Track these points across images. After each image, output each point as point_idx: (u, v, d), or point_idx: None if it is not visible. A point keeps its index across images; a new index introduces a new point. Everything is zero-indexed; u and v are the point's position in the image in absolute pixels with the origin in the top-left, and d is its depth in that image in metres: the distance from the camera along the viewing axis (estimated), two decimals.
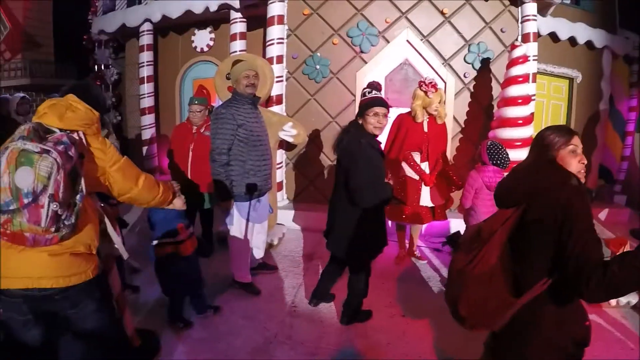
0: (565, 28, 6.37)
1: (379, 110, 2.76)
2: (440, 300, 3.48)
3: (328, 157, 5.48)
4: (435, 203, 4.11)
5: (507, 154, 3.51)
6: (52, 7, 11.01)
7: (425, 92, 3.96)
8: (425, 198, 4.08)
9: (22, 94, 5.33)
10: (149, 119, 6.99)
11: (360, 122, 2.84)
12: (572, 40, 6.53)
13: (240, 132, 3.24)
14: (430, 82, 3.95)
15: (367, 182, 2.68)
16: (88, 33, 8.61)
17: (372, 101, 2.80)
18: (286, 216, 5.31)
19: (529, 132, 4.92)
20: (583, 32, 6.53)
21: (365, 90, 2.90)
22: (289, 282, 3.84)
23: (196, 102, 4.26)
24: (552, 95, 6.81)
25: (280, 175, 5.43)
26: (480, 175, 3.50)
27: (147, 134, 6.99)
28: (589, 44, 6.68)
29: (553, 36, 6.36)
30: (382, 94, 2.93)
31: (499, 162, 3.46)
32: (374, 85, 2.92)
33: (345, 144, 2.82)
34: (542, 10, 5.69)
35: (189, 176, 4.20)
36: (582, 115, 6.94)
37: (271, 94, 5.21)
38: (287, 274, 4.03)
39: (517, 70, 4.90)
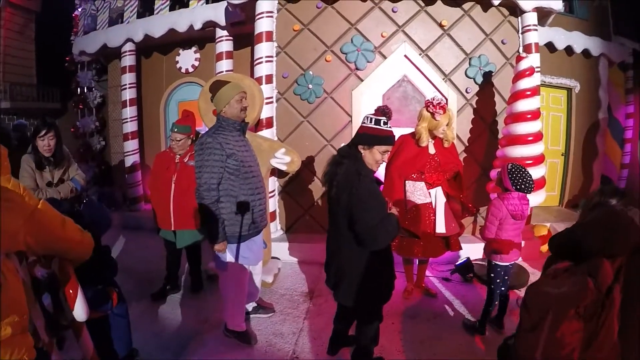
0: (561, 37, 6.24)
1: (390, 148, 2.43)
2: (454, 340, 3.13)
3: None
4: (451, 232, 3.64)
5: (531, 177, 3.08)
6: (34, 27, 10.46)
7: (432, 114, 3.48)
8: (440, 225, 3.59)
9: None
10: (132, 145, 6.56)
11: (361, 151, 2.38)
12: (569, 50, 6.38)
13: (229, 164, 2.77)
14: (439, 103, 3.47)
15: (377, 220, 2.26)
16: (70, 54, 8.07)
17: (388, 137, 2.38)
18: (281, 249, 4.78)
19: (540, 149, 4.54)
20: (579, 41, 6.41)
21: (380, 119, 2.39)
22: (289, 327, 3.36)
23: (176, 129, 3.72)
24: (551, 107, 6.60)
25: (272, 204, 4.93)
26: (504, 203, 3.06)
27: (130, 161, 6.55)
28: (585, 53, 6.54)
29: (550, 46, 6.19)
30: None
31: (523, 187, 3.03)
32: (387, 114, 2.49)
33: (341, 177, 2.34)
34: (541, 20, 5.33)
35: (172, 210, 3.71)
36: (581, 125, 6.72)
37: (261, 117, 4.71)
38: (285, 317, 3.54)
39: (524, 84, 4.52)
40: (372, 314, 2.61)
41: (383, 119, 2.39)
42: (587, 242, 1.55)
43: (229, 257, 2.94)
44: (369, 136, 2.37)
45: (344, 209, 2.31)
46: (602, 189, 1.97)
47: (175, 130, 3.71)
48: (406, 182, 3.60)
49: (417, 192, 3.59)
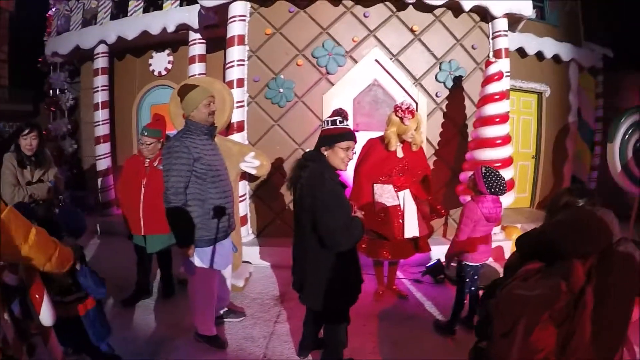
0: (532, 43, 6.34)
1: (352, 144, 2.42)
2: (426, 340, 3.16)
3: None
4: (421, 233, 3.65)
5: (504, 179, 3.11)
6: (7, 27, 10.21)
7: (401, 119, 3.49)
8: (409, 229, 3.61)
9: None
10: (103, 148, 6.40)
11: (324, 153, 2.41)
12: (540, 55, 6.48)
13: (197, 167, 2.76)
14: (407, 108, 3.48)
15: (340, 223, 2.25)
16: (43, 55, 7.88)
17: (346, 133, 2.41)
18: (252, 253, 4.72)
19: (508, 151, 4.60)
20: (550, 47, 6.52)
21: (335, 119, 2.44)
22: (260, 331, 3.35)
23: (146, 133, 3.67)
24: (521, 111, 6.70)
25: (243, 208, 4.87)
26: (479, 206, 3.09)
27: (102, 165, 6.40)
28: (555, 58, 6.65)
29: (521, 51, 6.28)
30: (350, 119, 2.59)
31: (497, 189, 3.05)
32: (342, 114, 2.48)
33: (305, 180, 2.35)
34: (512, 26, 5.40)
35: (142, 215, 3.65)
36: (551, 129, 6.84)
37: (231, 121, 4.65)
38: (256, 320, 3.52)
39: (493, 88, 4.56)
40: (339, 317, 2.60)
41: (338, 118, 2.43)
42: (559, 243, 1.52)
43: (197, 261, 2.91)
44: (327, 136, 2.41)
45: (308, 212, 2.32)
46: (570, 189, 1.94)
47: (146, 134, 3.65)
48: (374, 184, 3.60)
49: (386, 194, 3.60)
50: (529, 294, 1.49)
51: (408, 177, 3.61)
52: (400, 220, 3.59)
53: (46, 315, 1.86)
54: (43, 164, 3.65)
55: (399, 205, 3.59)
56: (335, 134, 2.39)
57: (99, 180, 6.38)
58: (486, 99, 4.56)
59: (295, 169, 2.44)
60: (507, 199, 4.56)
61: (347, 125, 2.44)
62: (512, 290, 1.57)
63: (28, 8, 9.60)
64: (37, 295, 1.83)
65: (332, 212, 2.24)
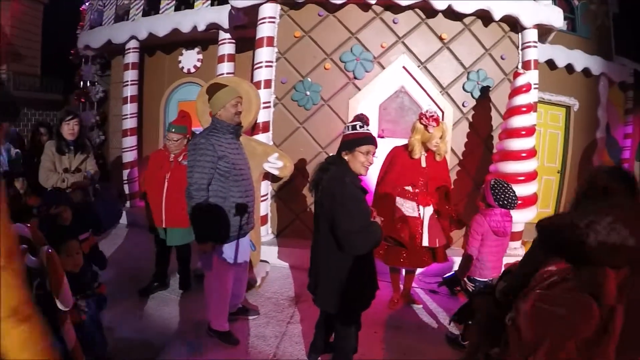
0: (562, 55, 6.20)
1: (372, 148, 2.44)
2: (436, 352, 3.09)
3: None
4: (440, 244, 3.63)
5: (514, 193, 3.03)
6: (42, 18, 10.47)
7: (426, 126, 3.47)
8: (428, 238, 3.59)
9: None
10: (130, 141, 6.51)
11: (345, 158, 2.45)
12: (569, 68, 6.34)
13: (220, 165, 2.81)
14: (432, 115, 3.46)
15: (358, 226, 2.27)
16: (75, 48, 8.08)
17: (366, 138, 2.43)
18: (270, 253, 4.74)
19: (533, 165, 4.51)
20: (580, 60, 6.37)
21: (355, 124, 2.48)
22: (272, 330, 3.34)
23: (173, 130, 3.76)
24: (549, 124, 6.55)
25: (264, 208, 4.88)
26: (486, 219, 3.02)
27: (128, 157, 6.51)
28: (585, 72, 6.50)
29: (550, 63, 6.14)
30: (376, 125, 2.53)
31: (506, 202, 2.98)
32: (363, 119, 2.51)
33: (326, 183, 2.38)
34: (542, 37, 5.30)
35: (163, 208, 3.72)
36: (578, 144, 6.68)
37: (257, 121, 4.69)
38: (269, 320, 3.52)
39: (520, 100, 4.48)
40: (350, 321, 2.60)
41: (358, 123, 2.46)
42: (594, 248, 1.22)
43: (214, 258, 2.95)
44: (348, 141, 2.45)
45: (327, 213, 2.35)
46: (609, 170, 1.61)
47: (173, 130, 3.75)
48: (397, 197, 3.59)
49: (407, 205, 3.59)
50: (555, 312, 1.28)
51: (429, 197, 3.58)
52: (420, 229, 3.57)
53: (64, 299, 1.90)
54: (83, 151, 3.80)
55: (419, 215, 3.58)
56: (356, 139, 2.42)
57: (125, 172, 6.48)
58: (513, 111, 4.49)
59: (318, 171, 2.47)
60: (529, 214, 4.49)
61: (367, 130, 2.47)
62: (535, 303, 1.34)
63: (62, 0, 9.82)
64: (56, 279, 1.87)
65: (350, 214, 2.27)
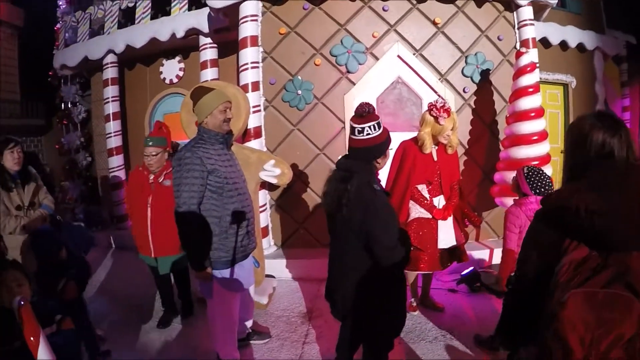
0: (556, 32, 5.99)
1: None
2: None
3: (317, 194, 4.62)
4: (458, 242, 3.38)
5: (550, 178, 2.90)
6: (17, 41, 10.06)
7: (436, 118, 3.12)
8: (444, 239, 3.31)
9: None
10: (117, 161, 6.19)
11: (374, 164, 2.14)
12: (564, 45, 6.11)
13: (211, 181, 2.43)
14: (442, 106, 3.11)
15: (396, 239, 2.02)
16: (53, 69, 7.68)
17: (388, 140, 2.15)
18: (275, 266, 4.38)
19: (545, 148, 4.21)
20: (574, 35, 6.16)
21: (371, 125, 2.06)
22: (287, 354, 3.02)
23: (150, 143, 3.30)
24: (548, 104, 6.23)
25: (264, 219, 4.55)
26: (522, 209, 2.87)
27: (115, 177, 6.11)
28: (580, 47, 6.27)
29: (544, 41, 5.89)
30: None
31: (543, 189, 2.86)
32: (372, 111, 2.12)
33: (354, 195, 2.00)
34: (536, 15, 5.03)
35: (150, 236, 3.33)
36: None
37: (248, 127, 4.34)
38: (283, 342, 3.19)
39: (526, 80, 4.18)
40: (385, 345, 2.30)
41: (373, 123, 2.07)
42: (606, 232, 1.09)
43: (216, 285, 2.59)
44: (382, 143, 2.10)
45: (357, 229, 2.01)
46: (598, 116, 1.29)
47: (150, 143, 3.29)
48: (410, 201, 3.31)
49: (420, 208, 3.31)
50: (601, 316, 1.09)
51: (444, 181, 3.29)
52: (435, 231, 3.29)
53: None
54: (29, 182, 3.22)
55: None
56: (388, 140, 2.14)
57: (112, 193, 6.19)
58: (519, 93, 4.19)
59: (336, 181, 2.11)
60: None
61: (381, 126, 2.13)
62: (578, 307, 1.13)
63: (38, 22, 9.44)
64: (32, 338, 1.79)
65: (389, 229, 2.02)
